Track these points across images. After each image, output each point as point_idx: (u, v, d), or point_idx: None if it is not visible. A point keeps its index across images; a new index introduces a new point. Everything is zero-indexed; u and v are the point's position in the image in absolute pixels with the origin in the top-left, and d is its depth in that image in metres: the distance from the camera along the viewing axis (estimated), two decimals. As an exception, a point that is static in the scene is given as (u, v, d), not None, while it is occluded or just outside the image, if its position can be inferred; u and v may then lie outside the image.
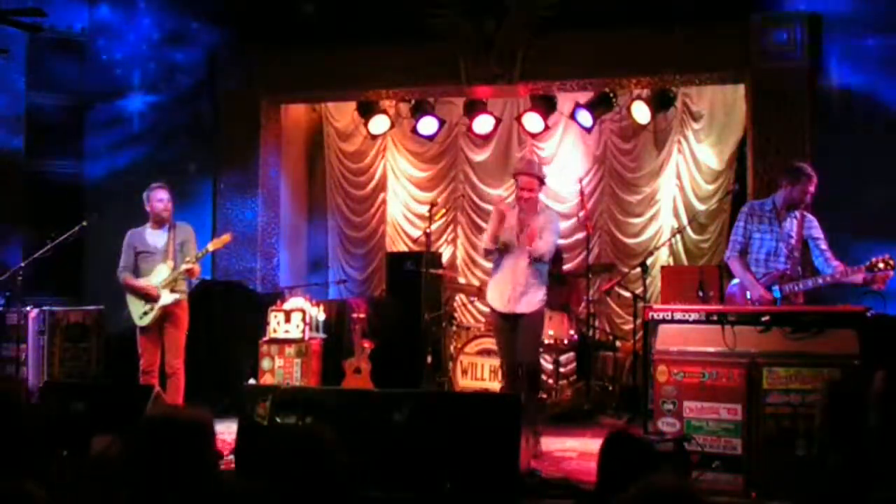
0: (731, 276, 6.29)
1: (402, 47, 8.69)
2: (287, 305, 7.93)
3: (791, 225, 5.93)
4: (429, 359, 8.34)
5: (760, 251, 5.95)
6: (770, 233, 5.94)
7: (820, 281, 5.79)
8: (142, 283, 6.82)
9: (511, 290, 6.29)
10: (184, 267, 6.80)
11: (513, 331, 6.35)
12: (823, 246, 5.89)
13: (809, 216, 6.00)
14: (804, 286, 5.82)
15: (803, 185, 5.89)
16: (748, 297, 5.89)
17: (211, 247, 7.06)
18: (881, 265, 5.50)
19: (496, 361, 7.78)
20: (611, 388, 8.21)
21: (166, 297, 6.78)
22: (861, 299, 5.47)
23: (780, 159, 7.75)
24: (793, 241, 5.89)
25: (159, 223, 6.95)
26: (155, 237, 6.95)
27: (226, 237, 7.14)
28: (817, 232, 5.93)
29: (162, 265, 6.84)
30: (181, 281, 6.93)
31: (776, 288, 5.82)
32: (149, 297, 6.79)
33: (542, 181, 6.45)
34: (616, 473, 2.84)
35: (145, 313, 6.80)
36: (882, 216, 7.45)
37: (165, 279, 6.79)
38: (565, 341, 8.14)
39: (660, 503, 1.90)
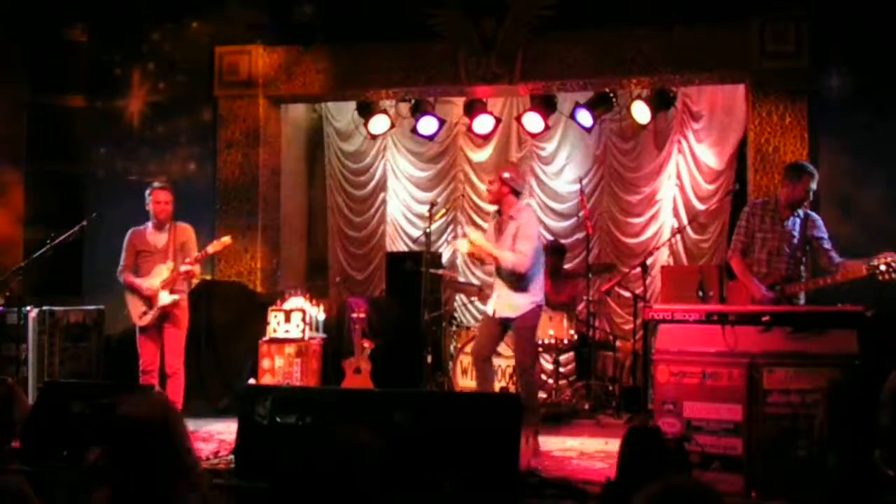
0: (732, 276, 6.28)
1: (402, 47, 8.69)
2: (287, 305, 7.93)
3: (793, 224, 5.92)
4: (429, 359, 8.33)
5: (762, 251, 5.94)
6: (772, 232, 5.93)
7: (820, 283, 5.78)
8: (141, 283, 6.82)
9: (496, 296, 6.34)
10: (183, 268, 6.80)
11: (495, 334, 6.43)
12: (827, 245, 5.88)
13: (814, 215, 5.99)
14: (806, 286, 5.81)
15: (805, 184, 5.89)
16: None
17: (211, 249, 7.04)
18: (882, 266, 5.48)
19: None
20: (611, 388, 8.20)
21: (165, 298, 6.77)
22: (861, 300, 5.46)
23: (779, 159, 7.76)
24: (795, 241, 5.88)
25: (160, 223, 6.94)
26: (155, 237, 6.94)
27: (226, 240, 7.12)
28: (821, 231, 5.92)
29: (162, 266, 6.83)
30: (181, 281, 6.92)
31: (778, 288, 5.81)
32: (147, 299, 6.78)
33: (503, 181, 6.25)
34: (637, 468, 2.82)
35: (145, 313, 6.80)
36: (881, 216, 7.45)
37: (165, 280, 6.78)
38: (565, 341, 8.14)
39: (681, 502, 1.87)
